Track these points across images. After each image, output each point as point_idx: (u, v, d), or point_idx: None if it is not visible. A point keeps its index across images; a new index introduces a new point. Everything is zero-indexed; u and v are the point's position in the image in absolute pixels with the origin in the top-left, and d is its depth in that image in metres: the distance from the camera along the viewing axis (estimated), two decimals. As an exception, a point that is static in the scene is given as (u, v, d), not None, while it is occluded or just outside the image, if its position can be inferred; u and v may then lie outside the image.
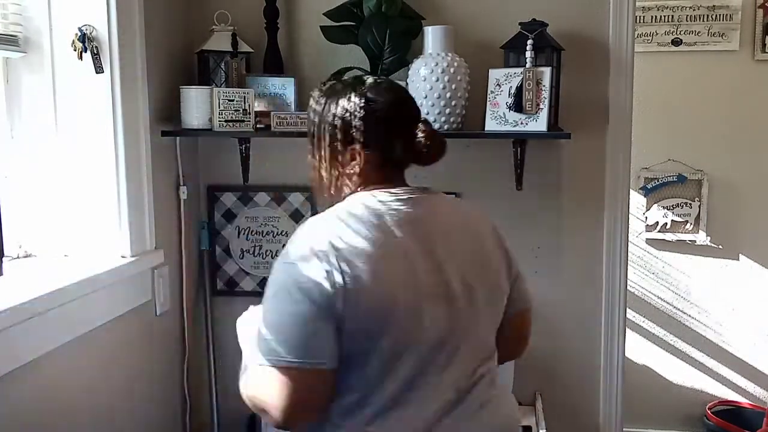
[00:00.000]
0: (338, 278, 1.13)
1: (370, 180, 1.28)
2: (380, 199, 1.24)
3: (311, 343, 1.15)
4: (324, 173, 1.30)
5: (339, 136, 1.26)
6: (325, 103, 1.29)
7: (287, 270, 1.18)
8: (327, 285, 1.13)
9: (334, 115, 1.27)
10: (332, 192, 1.31)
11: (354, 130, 1.25)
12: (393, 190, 1.26)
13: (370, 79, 1.32)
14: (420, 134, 1.27)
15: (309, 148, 1.33)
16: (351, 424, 1.19)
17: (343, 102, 1.27)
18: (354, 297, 1.14)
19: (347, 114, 1.25)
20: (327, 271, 1.14)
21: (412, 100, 1.34)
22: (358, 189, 1.28)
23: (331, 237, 1.17)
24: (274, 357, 1.15)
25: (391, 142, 1.27)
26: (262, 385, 1.17)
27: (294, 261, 1.17)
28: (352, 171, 1.27)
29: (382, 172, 1.28)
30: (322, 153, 1.29)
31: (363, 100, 1.25)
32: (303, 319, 1.14)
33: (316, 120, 1.30)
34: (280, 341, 1.15)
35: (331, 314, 1.14)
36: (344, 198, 1.29)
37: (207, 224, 2.17)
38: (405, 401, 1.19)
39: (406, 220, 1.23)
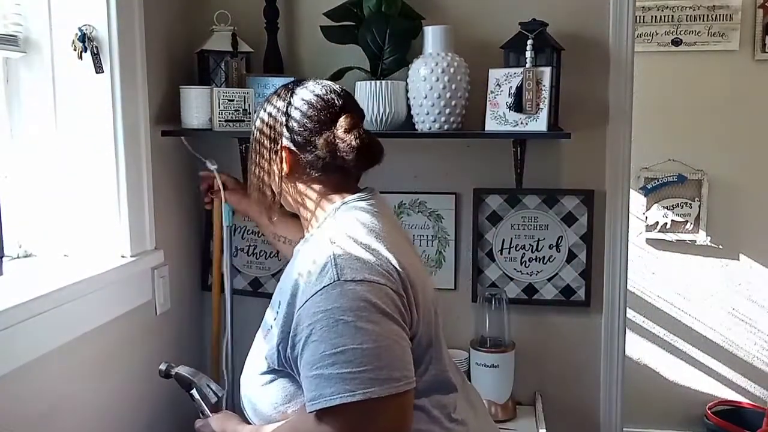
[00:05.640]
0: (403, 288, 1.17)
1: (329, 188, 1.33)
2: (364, 207, 1.29)
3: (408, 359, 1.14)
4: (270, 181, 1.37)
5: (295, 138, 1.33)
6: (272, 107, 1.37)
7: (356, 291, 1.12)
8: (401, 297, 1.16)
9: (285, 116, 1.34)
10: (276, 199, 1.37)
11: (287, 131, 1.33)
12: (361, 194, 1.33)
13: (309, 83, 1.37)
14: (341, 135, 1.29)
15: (254, 156, 1.40)
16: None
17: (279, 104, 1.35)
18: (414, 302, 1.19)
19: (283, 116, 1.34)
20: (396, 283, 1.16)
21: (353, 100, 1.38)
22: (325, 197, 1.33)
23: (382, 250, 1.19)
24: (387, 385, 1.08)
25: (315, 144, 1.30)
26: (380, 420, 1.09)
27: (362, 279, 1.13)
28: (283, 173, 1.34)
29: (336, 178, 1.33)
30: (268, 157, 1.37)
31: (294, 102, 1.33)
32: (399, 336, 1.13)
33: (265, 124, 1.38)
34: (384, 366, 1.09)
35: (407, 325, 1.17)
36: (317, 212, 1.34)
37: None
38: (452, 384, 1.29)
39: (392, 221, 1.35)
